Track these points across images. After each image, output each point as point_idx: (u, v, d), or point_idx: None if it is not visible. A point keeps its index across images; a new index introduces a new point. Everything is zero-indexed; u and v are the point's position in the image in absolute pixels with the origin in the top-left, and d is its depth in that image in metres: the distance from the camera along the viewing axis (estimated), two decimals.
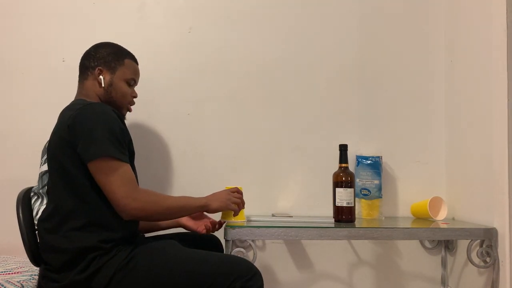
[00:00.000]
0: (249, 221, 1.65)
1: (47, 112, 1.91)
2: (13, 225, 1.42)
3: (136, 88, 1.93)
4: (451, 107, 1.94)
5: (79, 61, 1.96)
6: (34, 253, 1.33)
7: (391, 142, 1.98)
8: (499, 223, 1.57)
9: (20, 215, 1.36)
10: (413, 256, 1.96)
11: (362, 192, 1.82)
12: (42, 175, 1.57)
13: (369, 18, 2.01)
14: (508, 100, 1.56)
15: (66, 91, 1.92)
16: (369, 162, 1.84)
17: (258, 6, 1.99)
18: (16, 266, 1.52)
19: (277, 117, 1.97)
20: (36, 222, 1.36)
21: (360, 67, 1.99)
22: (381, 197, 1.83)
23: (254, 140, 1.95)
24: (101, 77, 1.43)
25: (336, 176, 1.68)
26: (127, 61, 1.50)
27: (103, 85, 1.43)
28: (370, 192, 1.82)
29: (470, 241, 1.58)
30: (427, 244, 1.95)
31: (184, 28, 1.97)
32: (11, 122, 1.91)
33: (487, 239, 1.57)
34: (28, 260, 1.38)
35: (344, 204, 1.64)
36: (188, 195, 1.46)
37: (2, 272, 1.43)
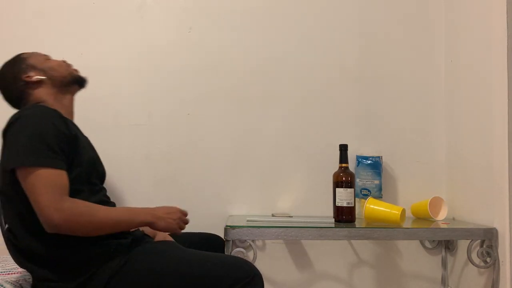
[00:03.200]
0: (249, 221, 1.65)
1: None
2: None
3: (136, 89, 1.94)
4: (451, 107, 1.94)
5: (79, 61, 1.96)
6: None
7: (391, 142, 1.97)
8: (499, 223, 1.57)
9: None
10: (413, 256, 1.96)
11: (362, 192, 1.82)
12: None
13: (369, 18, 2.01)
14: (508, 100, 1.56)
15: None
16: (369, 162, 1.84)
17: (258, 6, 1.99)
18: (16, 266, 1.51)
19: (277, 117, 1.96)
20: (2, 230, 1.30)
21: (360, 67, 1.99)
22: (381, 197, 1.83)
23: (254, 140, 1.95)
24: (33, 79, 1.38)
25: (336, 176, 1.68)
26: (24, 56, 1.42)
27: (41, 78, 1.38)
28: (370, 192, 1.81)
29: (470, 241, 1.58)
30: (427, 244, 1.95)
31: (184, 28, 1.97)
32: None
33: (487, 239, 1.57)
34: None
35: (344, 204, 1.64)
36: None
37: (1, 272, 1.43)
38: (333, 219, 1.67)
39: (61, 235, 1.18)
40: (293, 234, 1.50)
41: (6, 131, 1.23)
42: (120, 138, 1.91)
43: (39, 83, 1.39)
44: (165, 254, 1.27)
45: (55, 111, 1.28)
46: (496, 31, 1.61)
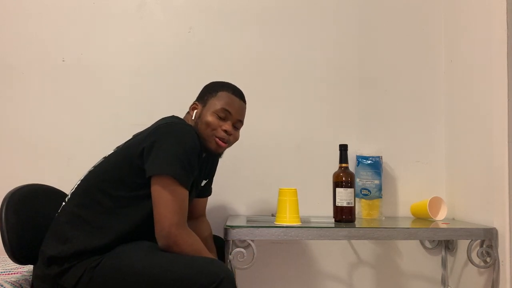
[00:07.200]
0: (249, 221, 1.64)
1: (46, 112, 1.91)
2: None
3: (136, 89, 1.94)
4: (451, 107, 1.94)
5: (79, 61, 1.98)
6: (15, 253, 1.31)
7: (391, 142, 1.97)
8: (499, 223, 1.57)
9: (3, 215, 1.31)
10: (413, 256, 1.96)
11: (362, 192, 1.82)
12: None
13: (369, 18, 2.01)
14: (508, 100, 1.56)
15: (66, 91, 1.93)
16: (369, 162, 1.84)
17: (258, 6, 1.99)
18: (15, 266, 1.51)
19: (277, 117, 1.96)
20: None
21: (360, 67, 1.99)
22: (381, 197, 1.83)
23: (254, 140, 1.95)
24: (195, 111, 1.45)
25: (336, 176, 1.68)
26: (220, 93, 1.45)
27: (193, 118, 1.44)
28: (370, 192, 1.81)
29: (470, 241, 1.58)
30: (427, 244, 1.95)
31: (184, 28, 1.97)
32: (10, 122, 1.91)
33: (487, 239, 1.57)
34: None
35: (344, 204, 1.64)
36: None
37: (1, 272, 1.43)
38: (333, 219, 1.67)
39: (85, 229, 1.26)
40: (293, 234, 1.50)
41: (154, 134, 1.29)
42: (120, 138, 1.90)
43: (190, 117, 1.45)
44: (137, 254, 1.25)
45: (198, 139, 1.34)
46: (496, 31, 1.60)
